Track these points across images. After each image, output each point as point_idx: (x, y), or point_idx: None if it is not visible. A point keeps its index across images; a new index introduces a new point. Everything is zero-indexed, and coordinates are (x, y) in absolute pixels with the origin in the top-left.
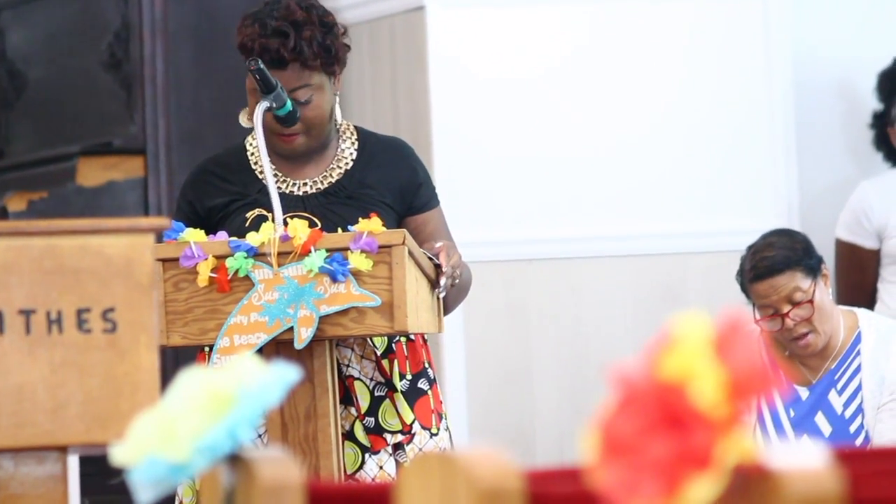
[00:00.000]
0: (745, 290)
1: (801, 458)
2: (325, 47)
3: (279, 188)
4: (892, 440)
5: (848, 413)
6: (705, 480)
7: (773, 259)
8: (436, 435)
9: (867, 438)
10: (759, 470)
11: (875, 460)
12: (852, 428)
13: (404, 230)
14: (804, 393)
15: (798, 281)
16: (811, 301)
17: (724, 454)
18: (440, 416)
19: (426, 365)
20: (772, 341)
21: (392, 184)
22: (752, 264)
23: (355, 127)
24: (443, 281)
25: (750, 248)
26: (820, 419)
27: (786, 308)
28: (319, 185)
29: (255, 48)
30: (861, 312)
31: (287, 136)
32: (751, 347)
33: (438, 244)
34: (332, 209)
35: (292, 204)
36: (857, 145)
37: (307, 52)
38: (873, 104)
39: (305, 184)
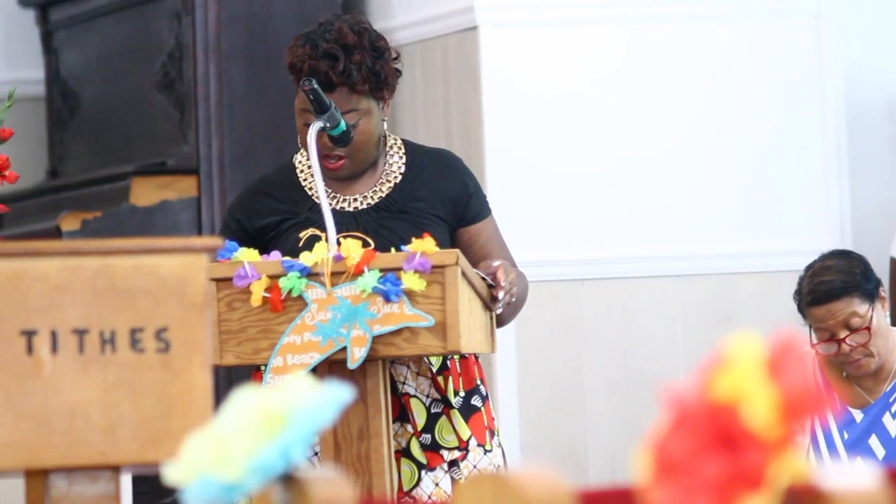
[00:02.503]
0: (801, 311)
1: (854, 478)
2: (375, 72)
3: (329, 205)
4: None
5: None
6: (757, 501)
7: (831, 284)
8: (489, 451)
9: None
10: (812, 490)
11: None
12: None
13: (457, 250)
14: (859, 416)
15: (855, 306)
16: (868, 328)
17: (776, 474)
18: (493, 433)
19: (479, 382)
20: (828, 362)
21: (442, 196)
22: (809, 288)
23: (402, 140)
24: (501, 294)
25: (808, 269)
26: (874, 442)
27: (843, 333)
28: (370, 201)
29: (305, 69)
30: None
31: (331, 160)
32: (803, 368)
33: (496, 263)
34: (384, 224)
35: (344, 220)
36: None
37: (356, 77)
38: None
39: (356, 199)
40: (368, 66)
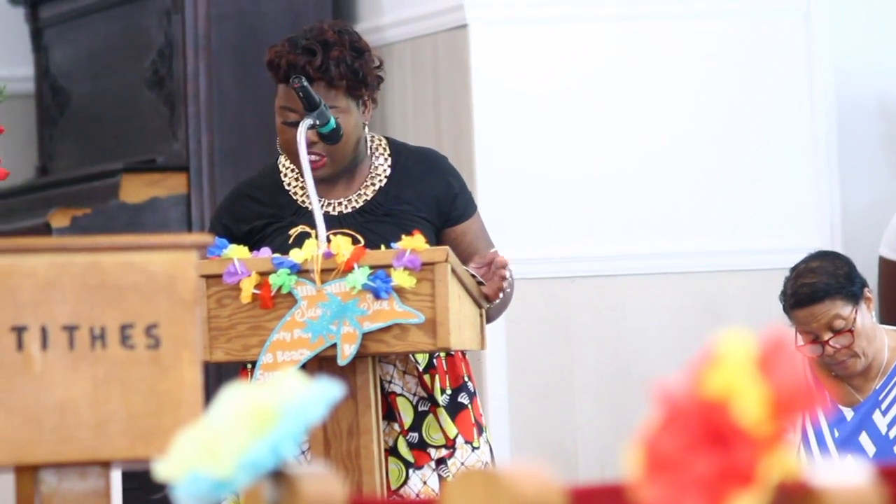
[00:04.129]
0: (786, 313)
1: (844, 475)
2: (353, 70)
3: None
4: None
5: (892, 433)
6: (748, 497)
7: (814, 287)
8: (477, 448)
9: None
10: (802, 487)
11: None
12: None
13: (447, 248)
14: (849, 413)
15: (838, 309)
16: (851, 330)
17: (767, 471)
18: (481, 430)
19: (466, 379)
20: (817, 361)
21: (428, 198)
22: (792, 290)
23: (387, 140)
24: (506, 273)
25: (792, 270)
26: (864, 439)
27: (826, 335)
28: (355, 204)
29: (283, 65)
30: None
31: (312, 158)
32: (794, 365)
33: (492, 251)
34: (369, 227)
35: (328, 224)
36: None
37: (333, 72)
38: None
39: (341, 203)
40: (347, 63)
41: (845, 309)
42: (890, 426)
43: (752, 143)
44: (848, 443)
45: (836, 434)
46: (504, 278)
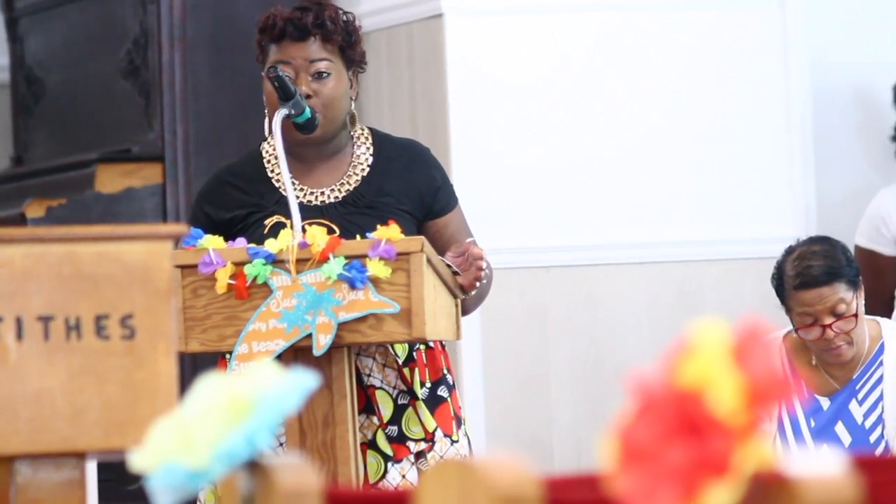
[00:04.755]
0: (782, 295)
1: (819, 465)
2: (347, 31)
3: (297, 197)
4: None
5: (868, 423)
6: (723, 487)
7: (821, 269)
8: (457, 442)
9: (887, 449)
10: (777, 477)
11: (892, 468)
12: (872, 438)
13: (422, 238)
14: (825, 403)
15: (842, 293)
16: (855, 315)
17: (741, 461)
18: (460, 423)
19: (445, 371)
20: (795, 349)
21: (410, 191)
22: (797, 271)
23: (370, 130)
24: (483, 265)
25: (789, 252)
26: (840, 429)
27: (828, 319)
28: (338, 194)
29: (279, 22)
30: (884, 322)
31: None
32: (769, 355)
33: (468, 240)
34: (350, 219)
35: (310, 214)
36: (875, 153)
37: (329, 26)
38: (891, 113)
39: (323, 192)
40: (342, 24)
41: (848, 294)
42: (866, 416)
43: (728, 134)
44: (824, 432)
45: (812, 423)
46: (481, 269)
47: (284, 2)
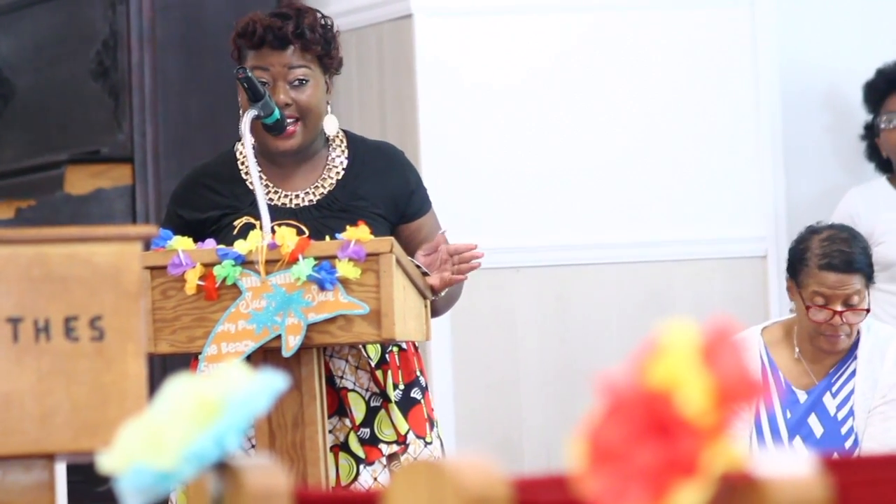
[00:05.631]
0: (798, 269)
1: (789, 465)
2: (326, 39)
3: (271, 200)
4: (882, 443)
5: (840, 415)
6: (692, 488)
7: (852, 256)
8: (430, 444)
9: (857, 441)
10: (746, 478)
11: (862, 468)
12: (843, 430)
13: (391, 238)
14: (803, 396)
15: (861, 285)
16: (868, 310)
17: (710, 462)
18: (433, 424)
19: (418, 374)
20: (778, 342)
21: (384, 194)
22: (826, 251)
23: (344, 132)
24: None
25: (815, 231)
26: (813, 420)
27: (839, 306)
28: (312, 197)
29: (258, 29)
30: None
31: (288, 124)
32: (738, 355)
33: (440, 232)
34: (324, 223)
35: (285, 217)
36: (844, 154)
37: (308, 35)
38: (860, 113)
39: (297, 195)
40: (320, 31)
41: (864, 288)
42: (839, 407)
43: (698, 135)
44: (799, 424)
45: (789, 415)
46: (471, 261)
47: (254, 4)
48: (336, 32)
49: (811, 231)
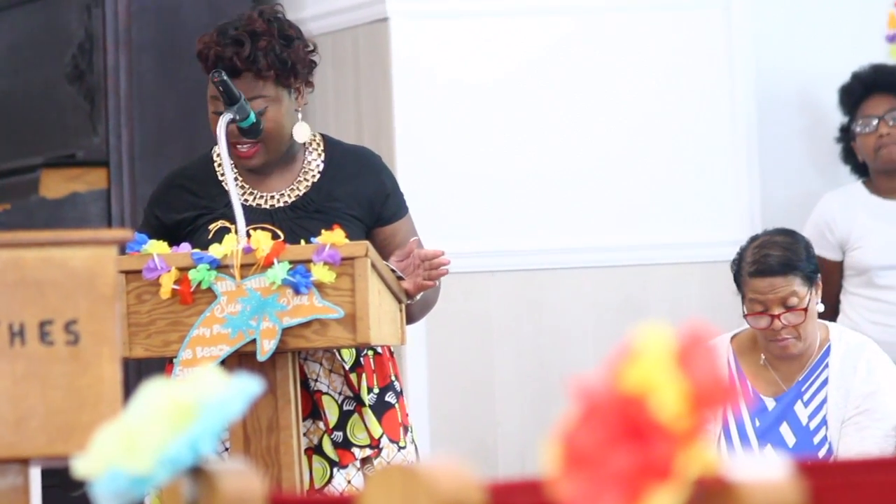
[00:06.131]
0: (738, 281)
1: (763, 470)
2: (282, 59)
3: (246, 201)
4: (856, 454)
5: (812, 424)
6: (666, 492)
7: (778, 259)
8: (403, 448)
9: (830, 451)
10: (721, 482)
11: (836, 473)
12: (816, 439)
13: (367, 242)
14: (771, 403)
15: (796, 286)
16: (805, 309)
17: (685, 466)
18: (407, 430)
19: (393, 378)
20: (746, 350)
21: (360, 197)
22: (754, 258)
23: (322, 136)
24: (442, 264)
25: (752, 240)
26: (784, 430)
27: (778, 310)
28: (287, 199)
29: (211, 56)
30: (832, 326)
31: (243, 147)
32: (712, 360)
33: (413, 239)
34: (299, 223)
35: (260, 217)
36: (820, 158)
37: (261, 62)
38: (835, 117)
39: (273, 197)
40: (276, 52)
41: (802, 288)
42: (811, 417)
43: (673, 138)
44: (768, 433)
45: (757, 423)
46: (435, 268)
47: (230, 7)
48: (299, 46)
49: (750, 240)
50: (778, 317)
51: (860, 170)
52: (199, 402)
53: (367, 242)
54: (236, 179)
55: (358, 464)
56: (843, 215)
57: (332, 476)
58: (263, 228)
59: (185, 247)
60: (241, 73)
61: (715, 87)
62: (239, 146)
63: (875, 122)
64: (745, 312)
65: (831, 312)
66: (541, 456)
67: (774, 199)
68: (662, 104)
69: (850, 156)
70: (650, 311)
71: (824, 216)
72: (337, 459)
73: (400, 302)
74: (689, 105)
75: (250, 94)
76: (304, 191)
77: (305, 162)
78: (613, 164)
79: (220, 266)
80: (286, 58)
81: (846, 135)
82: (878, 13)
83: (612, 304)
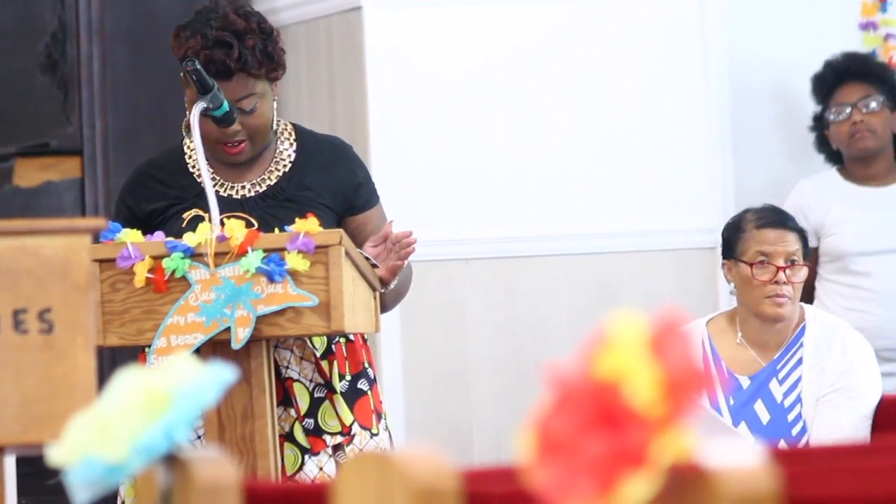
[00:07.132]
0: (734, 242)
1: (737, 457)
2: (268, 55)
3: (217, 191)
4: (831, 431)
5: (787, 402)
6: (640, 479)
7: (786, 216)
8: (376, 435)
9: (804, 428)
10: (695, 469)
11: (810, 459)
12: (790, 416)
13: (341, 230)
14: (745, 382)
15: (799, 246)
16: (809, 268)
17: (659, 453)
18: (380, 416)
19: (366, 365)
20: (722, 332)
21: (331, 185)
22: (760, 214)
23: (293, 126)
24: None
25: (749, 209)
26: (759, 407)
27: (781, 262)
28: (258, 188)
29: (201, 59)
30: (808, 307)
31: (232, 145)
32: (686, 347)
33: (388, 222)
34: (270, 212)
35: (231, 207)
36: (793, 146)
37: (252, 62)
38: (808, 106)
39: (244, 187)
40: (261, 49)
41: (801, 253)
42: (786, 395)
43: (647, 127)
44: (743, 411)
45: (732, 402)
46: (409, 245)
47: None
48: (277, 37)
49: (743, 211)
50: (783, 269)
51: (834, 158)
52: (173, 390)
53: (341, 231)
54: (208, 170)
55: (329, 451)
56: (817, 202)
57: (303, 463)
58: (237, 216)
59: (159, 235)
60: (233, 74)
61: (689, 77)
62: (229, 145)
63: (848, 109)
64: (750, 263)
65: (806, 299)
66: (515, 443)
67: (748, 188)
68: (636, 94)
69: (823, 144)
70: (624, 299)
71: (799, 203)
72: (308, 447)
73: (374, 290)
74: (663, 94)
75: (243, 93)
76: (275, 180)
77: (277, 152)
78: (588, 153)
79: (194, 254)
80: (271, 52)
81: (819, 123)
82: (851, 1)
83: (586, 292)
